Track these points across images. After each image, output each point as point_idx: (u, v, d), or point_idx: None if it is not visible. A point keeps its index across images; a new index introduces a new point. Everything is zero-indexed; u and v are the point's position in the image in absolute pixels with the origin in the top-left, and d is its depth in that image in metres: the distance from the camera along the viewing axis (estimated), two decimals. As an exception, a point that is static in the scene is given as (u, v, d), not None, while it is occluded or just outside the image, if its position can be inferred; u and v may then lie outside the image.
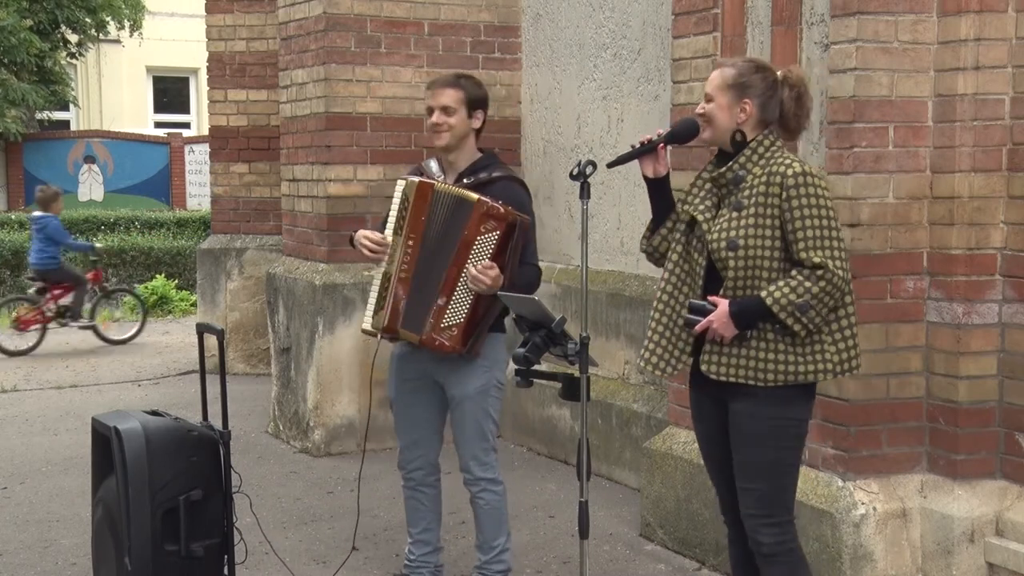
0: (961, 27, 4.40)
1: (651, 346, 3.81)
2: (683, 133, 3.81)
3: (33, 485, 6.53)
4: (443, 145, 4.52)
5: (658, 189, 3.90)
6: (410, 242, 4.43)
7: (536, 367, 3.87)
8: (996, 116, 4.42)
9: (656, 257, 3.97)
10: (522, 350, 3.82)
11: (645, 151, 3.83)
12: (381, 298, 4.50)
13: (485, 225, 4.30)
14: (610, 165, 3.97)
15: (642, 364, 3.83)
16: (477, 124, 4.54)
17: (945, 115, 4.46)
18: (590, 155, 6.62)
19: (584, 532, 3.86)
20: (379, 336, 4.55)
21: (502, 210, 4.31)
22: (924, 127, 4.50)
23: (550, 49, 7.13)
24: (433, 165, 4.61)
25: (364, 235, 4.54)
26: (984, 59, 4.39)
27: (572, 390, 3.83)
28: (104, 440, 4.28)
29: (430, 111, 4.52)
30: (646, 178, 3.89)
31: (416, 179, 4.47)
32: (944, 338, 4.51)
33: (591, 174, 3.79)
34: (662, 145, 3.82)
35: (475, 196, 4.33)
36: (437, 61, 7.14)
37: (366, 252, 4.52)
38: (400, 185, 4.51)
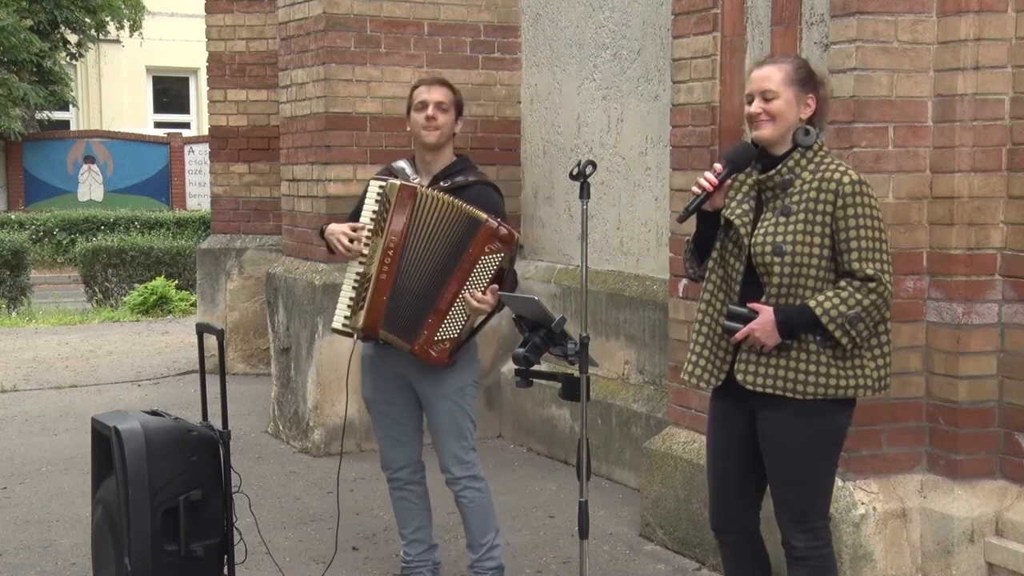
0: (961, 27, 4.40)
1: (694, 358, 3.72)
2: (742, 160, 3.68)
3: (33, 485, 6.53)
4: (433, 142, 4.48)
5: (711, 220, 3.73)
6: (391, 244, 4.40)
7: (536, 367, 3.88)
8: (996, 116, 4.42)
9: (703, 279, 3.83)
10: (522, 350, 3.82)
11: (711, 193, 3.64)
12: (360, 298, 4.45)
13: (490, 245, 4.31)
14: (681, 219, 3.75)
15: (686, 377, 3.74)
16: (458, 129, 4.58)
17: (945, 115, 4.46)
18: (590, 155, 6.62)
19: (584, 532, 3.86)
20: (355, 336, 4.54)
21: (505, 231, 4.33)
22: (924, 127, 4.50)
23: (550, 49, 7.13)
24: (404, 166, 4.58)
25: (341, 231, 4.45)
26: (984, 59, 4.39)
27: (572, 390, 3.83)
28: (104, 440, 4.28)
29: (423, 105, 4.48)
30: (704, 212, 3.70)
31: (397, 182, 4.42)
32: (944, 338, 4.51)
33: (591, 174, 3.79)
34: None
35: (483, 215, 4.33)
36: (437, 61, 7.14)
37: (341, 249, 4.43)
38: (373, 186, 4.45)
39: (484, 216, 4.32)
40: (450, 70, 7.07)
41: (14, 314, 14.61)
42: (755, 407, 3.64)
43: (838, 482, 4.53)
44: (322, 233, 4.56)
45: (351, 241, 4.42)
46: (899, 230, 4.50)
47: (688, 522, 5.21)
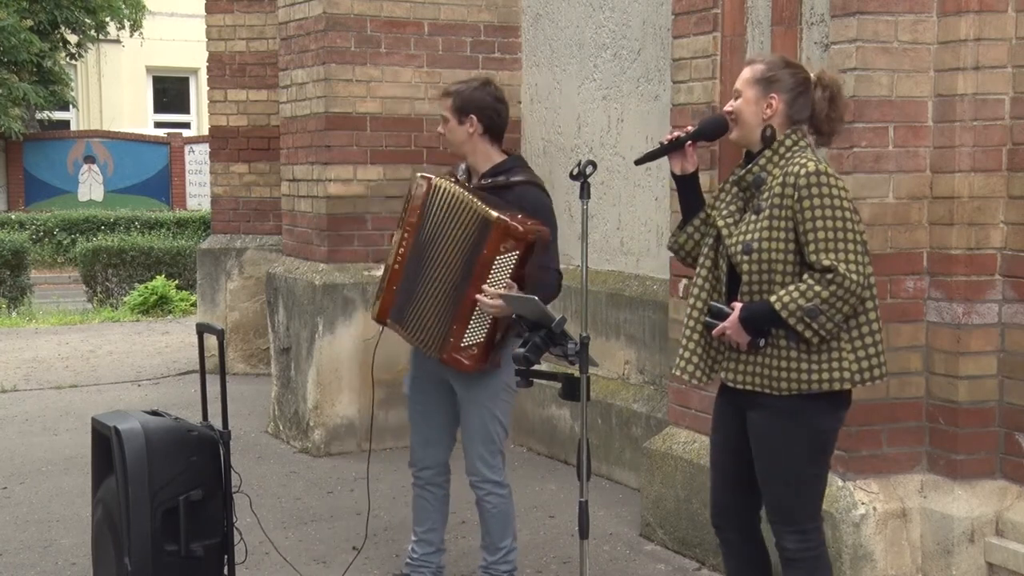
0: (961, 27, 4.40)
1: (686, 354, 3.74)
2: (710, 130, 3.79)
3: (33, 485, 6.53)
4: (451, 152, 4.58)
5: (686, 186, 3.85)
6: (405, 234, 4.44)
7: (536, 367, 3.88)
8: (996, 116, 4.42)
9: (682, 256, 3.91)
10: (522, 350, 3.82)
11: (672, 148, 3.79)
12: (380, 288, 4.55)
13: (504, 244, 4.22)
14: (638, 162, 3.93)
15: (677, 372, 3.76)
16: (471, 129, 4.44)
17: (945, 115, 4.46)
18: (590, 155, 6.62)
19: (584, 532, 3.86)
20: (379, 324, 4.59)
21: (521, 229, 4.23)
22: (924, 127, 4.50)
23: (550, 49, 7.13)
24: (461, 167, 4.61)
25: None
26: (984, 59, 4.39)
27: (572, 390, 3.83)
28: (104, 440, 4.28)
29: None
30: (674, 175, 3.84)
31: (420, 173, 4.49)
32: (944, 338, 4.51)
33: (591, 174, 3.79)
34: (690, 142, 3.79)
35: (494, 213, 4.24)
36: (437, 61, 7.14)
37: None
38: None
39: (495, 214, 4.23)
40: (450, 70, 7.07)
41: (14, 314, 14.60)
42: (744, 406, 3.68)
43: (838, 482, 4.53)
44: None
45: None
46: (899, 230, 4.50)
47: (688, 522, 5.21)
